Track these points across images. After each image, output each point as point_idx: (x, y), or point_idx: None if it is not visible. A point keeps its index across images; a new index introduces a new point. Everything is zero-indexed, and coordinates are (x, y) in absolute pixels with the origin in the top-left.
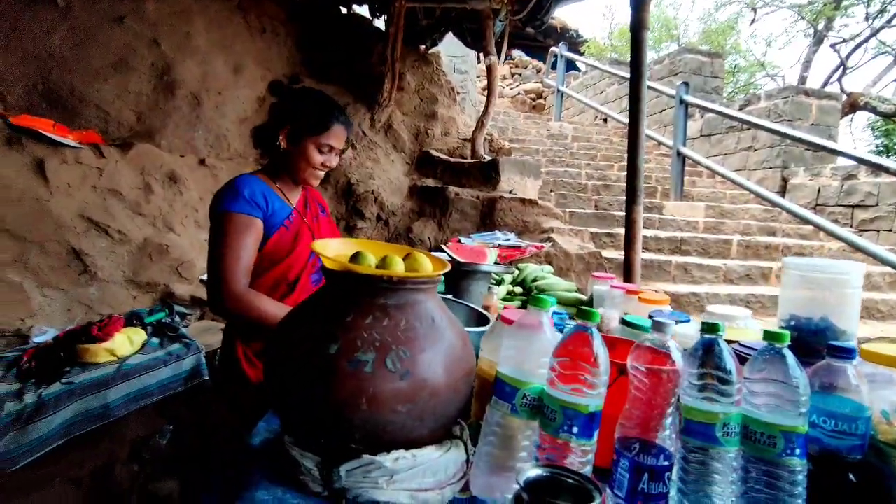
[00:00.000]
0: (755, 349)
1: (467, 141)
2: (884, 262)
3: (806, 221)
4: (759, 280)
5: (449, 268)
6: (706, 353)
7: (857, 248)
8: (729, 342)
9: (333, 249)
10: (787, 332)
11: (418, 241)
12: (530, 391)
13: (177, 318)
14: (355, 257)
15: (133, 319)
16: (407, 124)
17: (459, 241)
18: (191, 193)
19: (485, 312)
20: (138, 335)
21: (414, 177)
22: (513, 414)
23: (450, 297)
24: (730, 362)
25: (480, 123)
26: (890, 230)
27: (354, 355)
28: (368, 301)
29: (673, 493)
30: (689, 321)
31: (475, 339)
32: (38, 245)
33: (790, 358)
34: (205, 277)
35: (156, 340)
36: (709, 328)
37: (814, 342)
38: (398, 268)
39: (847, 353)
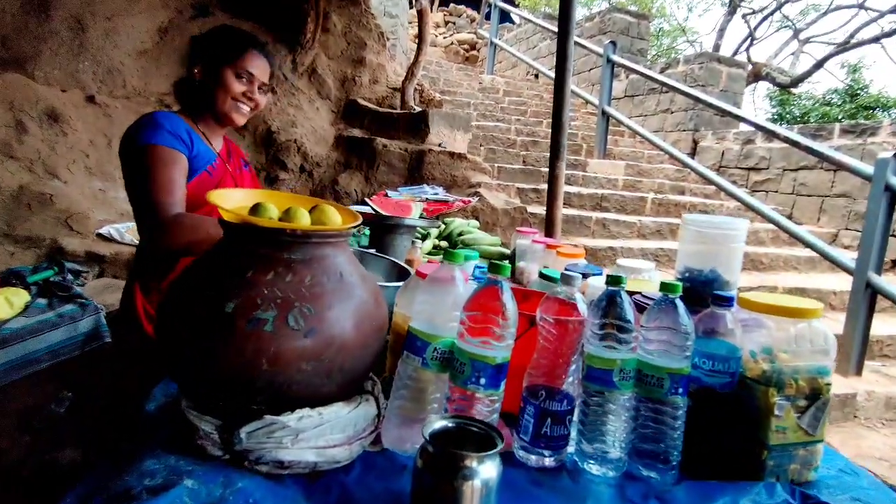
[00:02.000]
0: (653, 299)
1: (397, 90)
2: (769, 219)
3: (710, 182)
4: (668, 235)
5: (359, 221)
6: (609, 304)
7: (749, 207)
8: (631, 293)
9: (233, 200)
10: (680, 284)
11: (344, 195)
12: (441, 345)
13: (69, 277)
14: (255, 209)
15: (12, 279)
16: (333, 70)
17: (386, 195)
18: (78, 136)
19: (407, 267)
20: (19, 296)
21: (340, 126)
22: (424, 367)
23: (372, 251)
24: (629, 312)
25: (411, 73)
26: (776, 191)
27: (253, 313)
28: (270, 256)
29: (573, 433)
30: (601, 274)
31: (393, 294)
32: None
33: (681, 307)
34: (103, 230)
35: (42, 301)
36: (612, 280)
37: (703, 292)
38: (303, 221)
39: (727, 302)
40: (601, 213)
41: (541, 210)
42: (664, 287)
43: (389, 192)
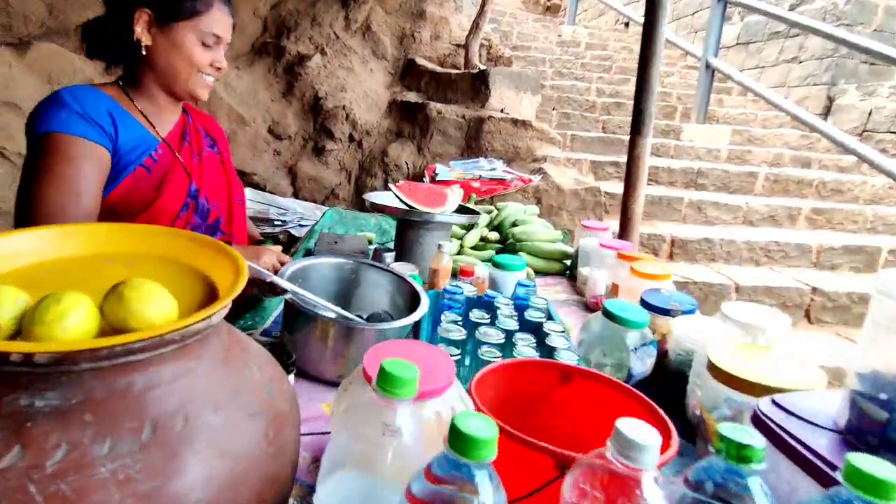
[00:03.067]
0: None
1: (461, 47)
2: None
3: (848, 150)
4: (784, 222)
5: (223, 305)
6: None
7: None
8: (736, 382)
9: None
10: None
11: (393, 167)
12: None
13: None
14: None
15: None
16: (390, 25)
17: (436, 172)
18: None
19: (418, 289)
20: None
21: (395, 90)
22: None
23: (368, 261)
24: None
25: (475, 26)
26: None
27: None
28: None
29: None
30: (694, 311)
31: (394, 335)
32: None
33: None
34: None
35: None
36: (735, 451)
37: None
38: (67, 324)
39: None
40: (696, 193)
41: (619, 189)
42: (737, 453)
43: (439, 167)
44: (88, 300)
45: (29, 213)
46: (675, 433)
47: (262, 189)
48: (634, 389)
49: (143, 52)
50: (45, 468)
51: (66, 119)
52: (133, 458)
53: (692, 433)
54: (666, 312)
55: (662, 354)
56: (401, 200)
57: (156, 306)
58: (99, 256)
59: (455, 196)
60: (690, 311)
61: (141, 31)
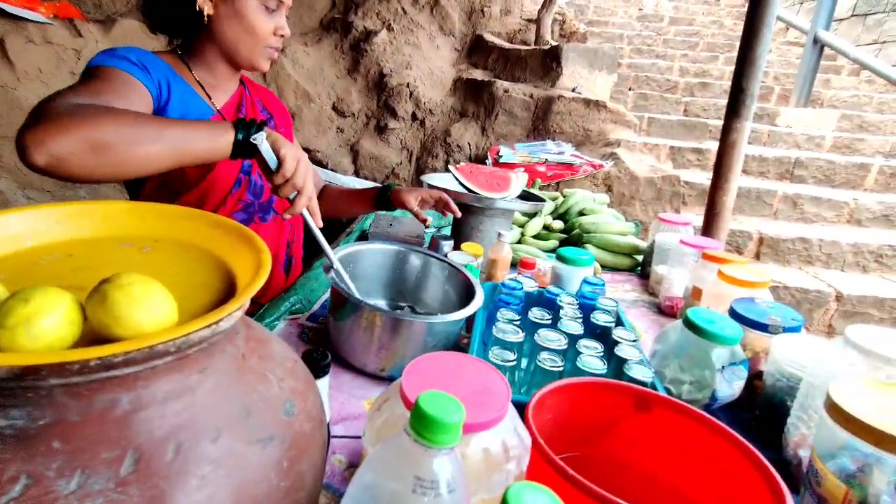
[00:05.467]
0: None
1: (532, 22)
2: None
3: None
4: None
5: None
6: None
7: None
8: (865, 430)
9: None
10: None
11: (456, 148)
12: None
13: None
14: None
15: None
16: (459, 0)
17: (499, 154)
18: None
19: (473, 281)
20: None
21: (461, 67)
22: None
23: (422, 250)
24: None
25: None
26: None
27: None
28: None
29: None
30: (799, 329)
31: (443, 330)
32: (11, 141)
33: None
34: None
35: None
36: None
37: None
38: (28, 333)
39: None
40: (792, 185)
41: (701, 178)
42: None
43: (503, 149)
44: (69, 299)
45: (41, 104)
46: (789, 500)
47: (324, 167)
48: (734, 433)
49: (206, 22)
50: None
51: (114, 58)
52: (105, 496)
53: (788, 474)
54: (762, 328)
55: (753, 376)
56: (460, 184)
57: (147, 310)
58: (113, 239)
59: (519, 181)
60: (794, 329)
61: (203, 1)
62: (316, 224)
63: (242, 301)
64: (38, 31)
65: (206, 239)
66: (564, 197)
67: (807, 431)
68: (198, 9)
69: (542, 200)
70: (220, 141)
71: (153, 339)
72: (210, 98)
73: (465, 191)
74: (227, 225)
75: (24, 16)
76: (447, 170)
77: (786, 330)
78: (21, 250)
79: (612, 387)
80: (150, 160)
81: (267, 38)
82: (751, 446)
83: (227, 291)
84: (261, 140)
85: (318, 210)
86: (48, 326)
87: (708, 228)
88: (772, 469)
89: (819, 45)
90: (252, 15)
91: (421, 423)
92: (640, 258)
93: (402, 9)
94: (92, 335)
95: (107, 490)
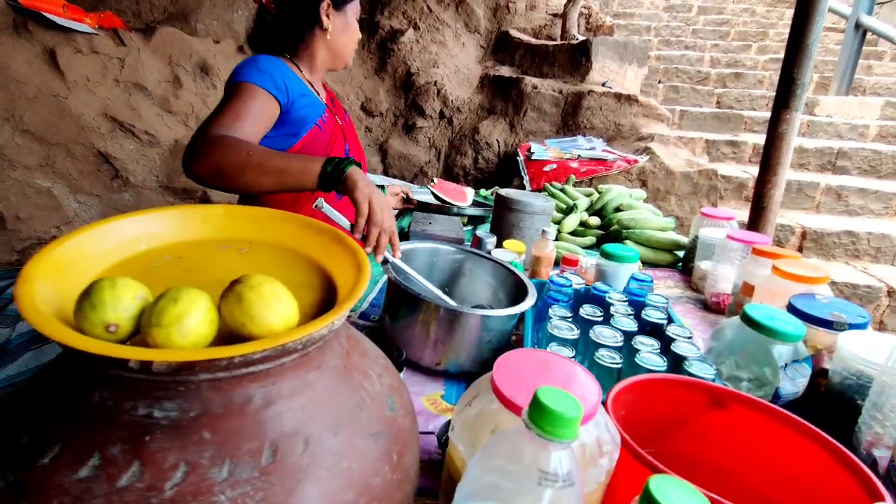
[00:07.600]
0: None
1: (558, 17)
2: None
3: None
4: None
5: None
6: None
7: None
8: None
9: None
10: None
11: (484, 145)
12: None
13: None
14: (85, 299)
15: None
16: None
17: (530, 150)
18: None
19: (524, 279)
20: None
21: (488, 64)
22: None
23: (469, 248)
24: None
25: None
26: None
27: None
28: (102, 410)
29: None
30: (865, 325)
31: (498, 326)
32: (64, 148)
33: None
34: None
35: None
36: None
37: None
38: (179, 330)
39: None
40: (835, 177)
41: (738, 172)
42: None
43: (534, 146)
44: (206, 299)
45: (199, 129)
46: (888, 499)
47: None
48: (819, 431)
49: (318, 35)
50: (163, 491)
51: (257, 74)
52: (253, 485)
53: None
54: (826, 324)
55: (815, 373)
56: (434, 196)
57: (276, 310)
58: (213, 242)
59: (470, 194)
60: (861, 326)
61: (325, 14)
62: (395, 256)
63: (354, 300)
64: (85, 42)
65: (297, 240)
66: (600, 193)
67: (881, 431)
68: (323, 24)
69: (490, 206)
70: (306, 176)
71: (285, 337)
72: (318, 94)
73: (436, 200)
74: (316, 226)
75: (73, 27)
76: (475, 166)
77: (851, 327)
78: (138, 253)
79: (687, 383)
80: (252, 185)
81: (358, 40)
82: (843, 448)
83: (327, 290)
84: (321, 204)
85: (398, 243)
86: (194, 325)
87: (755, 223)
88: (868, 471)
89: (861, 31)
90: (355, 23)
91: (542, 418)
92: (680, 254)
93: (428, 7)
94: (224, 333)
95: (252, 479)
